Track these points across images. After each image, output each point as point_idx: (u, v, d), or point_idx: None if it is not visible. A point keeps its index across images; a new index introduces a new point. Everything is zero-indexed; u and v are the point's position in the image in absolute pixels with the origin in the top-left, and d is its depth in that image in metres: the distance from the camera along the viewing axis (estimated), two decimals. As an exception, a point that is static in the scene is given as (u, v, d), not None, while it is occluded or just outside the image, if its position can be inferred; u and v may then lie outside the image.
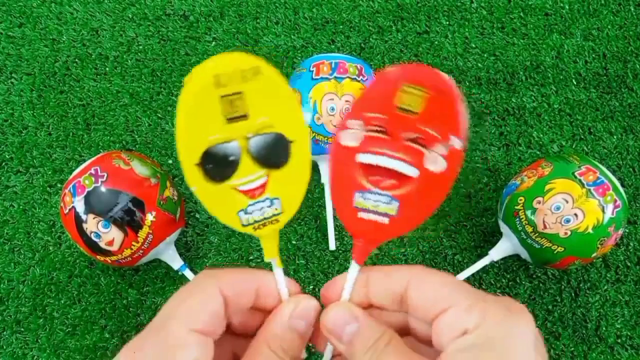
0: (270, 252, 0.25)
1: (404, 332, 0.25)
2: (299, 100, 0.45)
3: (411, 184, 0.23)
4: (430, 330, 0.23)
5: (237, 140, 0.22)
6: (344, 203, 0.24)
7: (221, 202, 0.23)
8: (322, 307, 0.25)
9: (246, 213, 0.24)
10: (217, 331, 0.23)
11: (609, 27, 0.58)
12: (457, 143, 0.22)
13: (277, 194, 0.24)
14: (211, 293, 0.23)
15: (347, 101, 0.45)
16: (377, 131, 0.22)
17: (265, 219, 0.24)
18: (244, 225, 0.24)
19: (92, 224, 0.40)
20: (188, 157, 0.22)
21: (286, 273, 0.27)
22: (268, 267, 0.25)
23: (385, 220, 0.24)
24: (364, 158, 0.23)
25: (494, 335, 0.20)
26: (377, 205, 0.23)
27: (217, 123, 0.22)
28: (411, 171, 0.23)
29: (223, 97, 0.21)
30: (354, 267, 0.25)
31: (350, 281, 0.25)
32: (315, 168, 0.49)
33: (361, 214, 0.24)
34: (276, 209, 0.24)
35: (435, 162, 0.22)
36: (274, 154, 0.23)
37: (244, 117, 0.22)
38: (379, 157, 0.23)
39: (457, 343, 0.21)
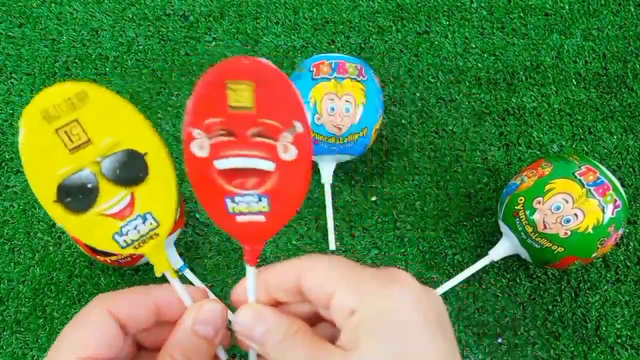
0: (160, 266, 0.25)
1: (318, 319, 0.25)
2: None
3: (272, 177, 0.23)
4: (329, 313, 0.23)
5: (87, 167, 0.22)
6: (218, 213, 0.24)
7: (93, 230, 0.23)
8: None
9: (121, 235, 0.24)
10: (110, 355, 0.23)
11: (609, 27, 0.58)
12: (299, 127, 0.22)
13: (147, 208, 0.24)
14: (100, 318, 0.23)
15: (347, 101, 0.45)
16: (223, 135, 0.22)
17: (142, 236, 0.24)
18: (123, 248, 0.24)
19: (92, 224, 0.40)
20: (44, 197, 0.22)
21: (184, 281, 0.27)
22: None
23: (262, 218, 0.24)
24: (220, 164, 0.23)
25: (376, 307, 0.21)
26: (249, 206, 0.23)
27: (61, 156, 0.21)
28: (268, 165, 0.23)
29: (58, 129, 0.21)
30: (249, 270, 0.25)
31: (250, 284, 0.25)
32: (315, 168, 0.49)
33: (239, 219, 0.24)
34: (151, 224, 0.24)
35: (287, 150, 0.22)
36: (130, 170, 0.23)
37: (87, 142, 0.22)
38: (234, 159, 0.23)
39: (347, 324, 0.21)
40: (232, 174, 0.23)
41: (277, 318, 0.23)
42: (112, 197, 0.23)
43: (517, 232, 0.43)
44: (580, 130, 0.54)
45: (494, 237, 0.49)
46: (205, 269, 0.49)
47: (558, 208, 0.40)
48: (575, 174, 0.41)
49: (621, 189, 0.41)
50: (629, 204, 0.51)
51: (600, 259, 0.49)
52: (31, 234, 0.50)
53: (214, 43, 0.57)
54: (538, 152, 0.53)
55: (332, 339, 0.22)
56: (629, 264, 0.49)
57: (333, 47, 0.57)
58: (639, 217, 0.51)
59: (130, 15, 0.58)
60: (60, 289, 0.48)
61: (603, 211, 0.40)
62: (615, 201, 0.40)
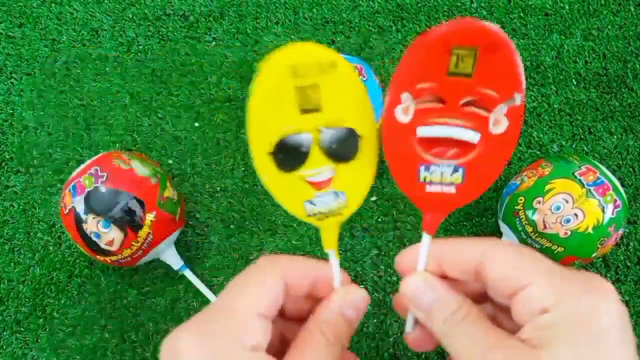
0: (330, 243, 0.25)
1: (483, 298, 0.25)
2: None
3: (476, 150, 0.22)
4: (509, 302, 0.22)
5: (309, 132, 0.22)
6: (409, 180, 0.23)
7: (289, 191, 0.23)
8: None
9: (311, 204, 0.24)
10: (274, 315, 0.24)
11: (609, 27, 0.58)
12: (517, 99, 0.20)
13: (343, 188, 0.24)
14: (274, 279, 0.23)
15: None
16: (431, 101, 0.21)
17: (329, 211, 0.24)
18: (308, 216, 0.24)
19: (92, 224, 0.40)
20: (259, 146, 0.22)
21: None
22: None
23: (452, 189, 0.23)
24: (424, 131, 0.22)
25: (574, 313, 0.20)
26: (443, 176, 0.23)
27: (291, 113, 0.22)
28: (474, 137, 0.22)
29: (298, 87, 0.21)
30: (425, 238, 0.25)
31: (423, 252, 0.25)
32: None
33: (428, 188, 0.23)
34: (340, 203, 0.25)
35: (498, 123, 0.21)
36: (343, 148, 0.23)
37: (317, 109, 0.22)
38: (440, 127, 0.22)
39: (536, 322, 0.21)
40: (432, 142, 0.22)
41: (448, 291, 0.24)
42: (318, 167, 0.23)
43: (517, 232, 0.43)
44: (580, 130, 0.54)
45: (494, 237, 0.49)
46: (205, 269, 0.49)
47: (558, 208, 0.40)
48: (575, 174, 0.41)
49: (621, 189, 0.41)
50: (629, 204, 0.51)
51: (600, 259, 0.49)
52: (31, 234, 0.50)
53: (214, 43, 0.57)
54: (538, 152, 0.53)
55: (493, 322, 0.22)
56: (629, 264, 0.49)
57: (333, 47, 0.57)
58: (639, 217, 0.51)
59: (130, 15, 0.58)
60: (60, 289, 0.48)
61: (603, 211, 0.40)
62: (615, 201, 0.40)
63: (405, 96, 0.21)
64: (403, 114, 0.22)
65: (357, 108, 0.23)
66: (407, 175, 0.23)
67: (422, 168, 0.23)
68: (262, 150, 0.22)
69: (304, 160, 0.23)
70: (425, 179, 0.23)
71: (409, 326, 0.26)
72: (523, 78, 0.20)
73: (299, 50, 0.21)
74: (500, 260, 0.22)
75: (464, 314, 0.23)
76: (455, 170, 0.23)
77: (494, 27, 0.19)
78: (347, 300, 0.25)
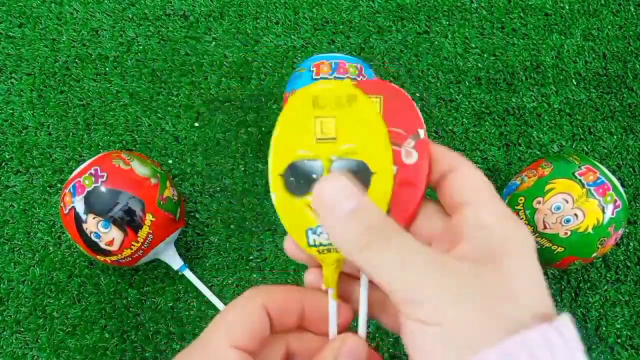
0: (329, 281, 0.25)
1: None
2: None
3: (394, 182, 0.24)
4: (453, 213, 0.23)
5: (321, 159, 0.23)
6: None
7: (294, 216, 0.24)
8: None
9: (314, 233, 0.24)
10: (255, 349, 0.23)
11: (609, 27, 0.58)
12: (421, 133, 0.23)
13: None
14: (255, 310, 0.23)
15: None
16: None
17: (330, 244, 0.24)
18: (309, 245, 0.24)
19: (92, 224, 0.40)
20: (276, 165, 0.23)
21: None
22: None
23: None
24: None
25: (510, 234, 0.21)
26: None
27: (307, 140, 0.23)
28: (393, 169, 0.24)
29: (317, 117, 0.23)
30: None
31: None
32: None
33: None
34: None
35: (409, 155, 0.23)
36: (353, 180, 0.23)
37: (332, 139, 0.23)
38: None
39: (477, 237, 0.21)
40: None
41: (373, 203, 0.22)
42: None
43: (517, 232, 0.43)
44: (580, 130, 0.54)
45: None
46: (205, 269, 0.49)
47: (558, 208, 0.40)
48: (575, 174, 0.41)
49: (621, 189, 0.41)
50: (629, 204, 0.51)
51: (600, 259, 0.49)
52: (31, 234, 0.50)
53: (214, 43, 0.57)
54: (538, 152, 0.53)
55: None
56: (629, 264, 0.49)
57: (333, 47, 0.57)
58: (639, 217, 0.51)
59: (130, 15, 0.58)
60: (60, 289, 0.48)
61: (603, 211, 0.40)
62: (615, 201, 0.40)
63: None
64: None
65: (372, 144, 0.23)
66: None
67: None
68: (276, 170, 0.23)
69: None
70: None
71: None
72: (421, 117, 0.24)
73: (326, 86, 0.23)
74: (466, 172, 0.23)
75: (392, 228, 0.21)
76: None
77: (391, 84, 0.24)
78: (342, 350, 0.23)
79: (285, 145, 0.23)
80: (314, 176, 0.23)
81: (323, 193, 0.21)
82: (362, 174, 0.23)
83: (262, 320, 0.23)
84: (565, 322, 0.19)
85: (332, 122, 0.23)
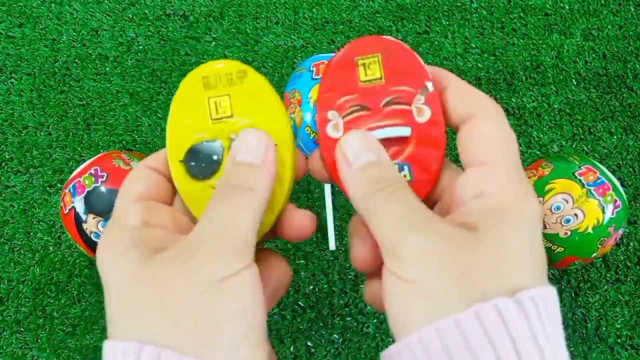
0: None
1: None
2: (299, 102, 0.45)
3: (410, 143, 0.23)
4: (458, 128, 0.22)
5: (220, 139, 0.23)
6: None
7: (201, 200, 0.23)
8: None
9: None
10: (153, 195, 0.23)
11: (609, 27, 0.58)
12: (430, 86, 0.22)
13: None
14: (140, 170, 0.23)
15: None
16: (357, 111, 0.23)
17: None
18: None
19: (92, 224, 0.40)
20: (174, 153, 0.23)
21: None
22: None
23: None
24: None
25: (510, 202, 0.20)
26: None
27: (203, 122, 0.23)
28: (405, 131, 0.23)
29: (210, 98, 0.23)
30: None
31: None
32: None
33: None
34: None
35: (422, 112, 0.23)
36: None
37: (229, 117, 0.23)
38: (371, 132, 0.23)
39: (473, 204, 0.20)
40: None
41: (391, 161, 0.22)
42: None
43: (517, 232, 0.43)
44: (580, 130, 0.54)
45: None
46: (205, 269, 0.48)
47: (558, 208, 0.40)
48: (575, 174, 0.41)
49: (621, 189, 0.41)
50: (629, 204, 0.51)
51: (600, 259, 0.49)
52: (31, 234, 0.50)
53: (214, 43, 0.57)
54: (538, 152, 0.53)
55: None
56: (629, 264, 0.49)
57: (333, 47, 0.57)
58: (639, 217, 0.51)
59: (130, 15, 0.58)
60: (60, 289, 0.48)
61: (603, 211, 0.40)
62: (615, 201, 0.40)
63: (332, 114, 0.23)
64: (334, 131, 0.23)
65: (269, 116, 0.23)
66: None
67: None
68: (175, 158, 0.23)
69: (217, 170, 0.23)
70: None
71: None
72: (426, 69, 0.22)
73: (212, 65, 0.23)
74: (479, 125, 0.22)
75: (401, 186, 0.21)
76: (401, 168, 0.23)
77: (386, 37, 0.23)
78: (240, 148, 0.22)
79: (181, 131, 0.23)
80: (215, 157, 0.23)
81: (347, 144, 0.22)
82: None
83: (150, 176, 0.23)
84: (534, 295, 0.19)
85: (226, 100, 0.23)
